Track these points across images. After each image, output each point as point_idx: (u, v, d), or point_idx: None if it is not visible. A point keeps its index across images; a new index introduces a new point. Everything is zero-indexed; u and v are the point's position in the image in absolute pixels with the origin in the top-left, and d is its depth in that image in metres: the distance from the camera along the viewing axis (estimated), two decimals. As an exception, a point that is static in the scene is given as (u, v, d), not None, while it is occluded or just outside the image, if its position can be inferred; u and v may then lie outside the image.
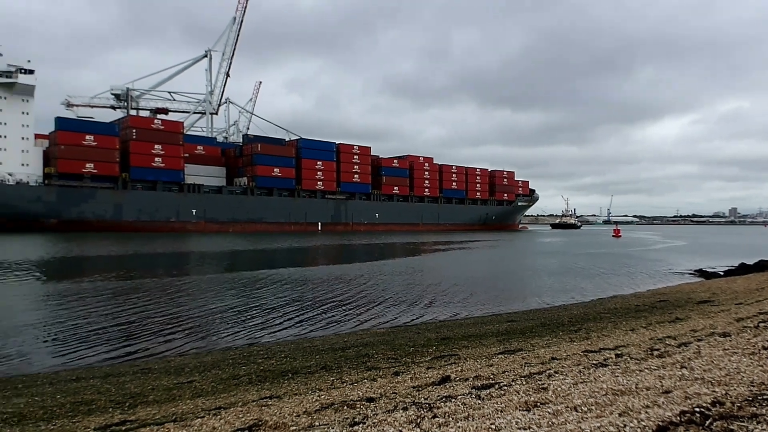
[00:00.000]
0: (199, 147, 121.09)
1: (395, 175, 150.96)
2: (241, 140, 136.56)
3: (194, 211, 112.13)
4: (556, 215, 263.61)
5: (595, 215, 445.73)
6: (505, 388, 6.28)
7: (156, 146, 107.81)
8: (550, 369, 7.12)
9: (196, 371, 10.53)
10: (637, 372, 6.51)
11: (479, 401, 5.80)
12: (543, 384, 6.22)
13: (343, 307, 19.99)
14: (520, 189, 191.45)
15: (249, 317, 17.83)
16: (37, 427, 6.86)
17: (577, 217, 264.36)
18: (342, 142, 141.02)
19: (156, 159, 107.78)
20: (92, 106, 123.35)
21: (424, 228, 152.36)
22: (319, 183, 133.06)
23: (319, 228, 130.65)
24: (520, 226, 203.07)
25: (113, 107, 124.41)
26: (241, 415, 6.40)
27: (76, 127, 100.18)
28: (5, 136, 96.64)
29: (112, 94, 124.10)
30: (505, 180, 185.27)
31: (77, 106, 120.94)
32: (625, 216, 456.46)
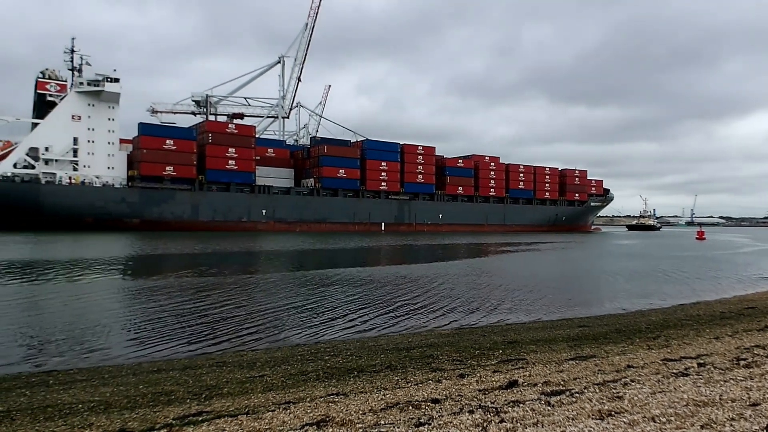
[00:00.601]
0: (269, 150, 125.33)
1: (459, 175, 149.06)
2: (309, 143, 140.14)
3: (264, 211, 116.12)
4: (634, 216, 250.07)
5: (676, 216, 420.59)
6: (577, 395, 6.06)
7: (230, 149, 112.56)
8: (625, 377, 6.81)
9: (267, 366, 10.87)
10: (722, 383, 6.11)
11: (549, 408, 5.63)
12: (618, 392, 5.95)
13: (407, 307, 20.01)
14: (593, 188, 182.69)
15: (316, 315, 18.23)
16: (122, 415, 7.30)
17: (657, 218, 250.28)
18: (406, 142, 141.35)
19: (230, 162, 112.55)
20: (174, 113, 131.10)
21: (490, 229, 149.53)
22: (383, 183, 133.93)
23: (383, 228, 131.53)
24: (593, 227, 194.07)
25: (193, 113, 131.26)
26: (309, 411, 6.54)
27: (157, 132, 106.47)
28: (93, 141, 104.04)
29: (193, 100, 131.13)
30: (577, 179, 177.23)
31: (161, 112, 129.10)
32: (710, 217, 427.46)
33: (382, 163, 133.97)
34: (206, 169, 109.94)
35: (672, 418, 4.76)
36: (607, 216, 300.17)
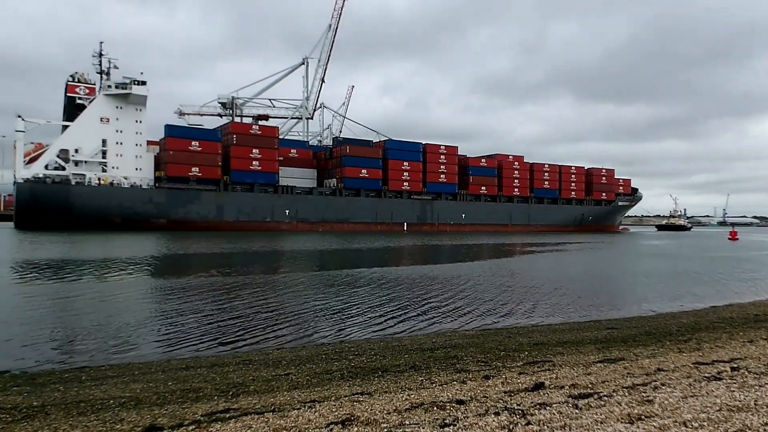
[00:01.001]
0: (292, 150, 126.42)
1: (483, 174, 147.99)
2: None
3: (287, 211, 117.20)
4: (663, 216, 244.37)
5: (708, 216, 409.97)
6: (606, 398, 5.97)
7: (254, 150, 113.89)
8: (655, 380, 6.69)
9: (292, 364, 10.98)
10: (756, 387, 5.96)
11: (577, 411, 5.56)
12: (648, 396, 5.85)
13: (431, 308, 19.97)
14: (621, 188, 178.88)
15: (340, 315, 18.33)
16: (151, 411, 7.45)
17: (688, 218, 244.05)
18: (429, 142, 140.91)
19: (254, 162, 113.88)
20: (201, 114, 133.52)
21: (514, 229, 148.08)
22: (405, 183, 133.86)
23: (405, 228, 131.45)
24: (621, 227, 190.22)
25: (220, 115, 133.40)
26: (334, 409, 6.56)
27: (183, 134, 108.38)
28: (121, 143, 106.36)
29: (219, 102, 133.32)
30: (604, 178, 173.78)
31: (188, 114, 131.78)
32: (743, 217, 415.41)
33: (405, 163, 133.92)
34: (231, 169, 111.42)
35: (704, 423, 4.67)
36: (636, 216, 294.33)
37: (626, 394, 6.12)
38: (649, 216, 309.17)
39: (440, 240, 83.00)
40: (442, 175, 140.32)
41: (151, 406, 7.86)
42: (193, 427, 6.12)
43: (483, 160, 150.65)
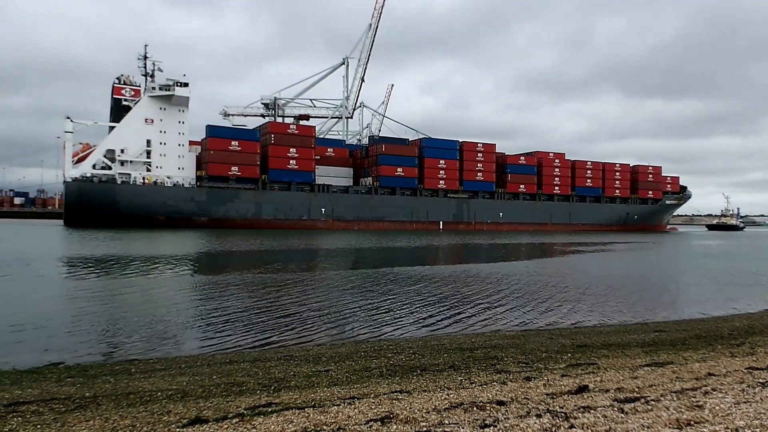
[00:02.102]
0: (329, 149, 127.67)
1: (521, 172, 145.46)
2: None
3: (323, 209, 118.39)
4: (714, 215, 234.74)
5: (763, 215, 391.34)
6: (653, 402, 5.82)
7: (291, 150, 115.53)
8: (706, 385, 6.47)
9: (332, 361, 11.11)
10: (817, 396, 5.68)
11: (622, 415, 5.45)
12: (698, 401, 5.67)
13: (470, 307, 19.84)
14: (669, 186, 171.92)
15: (378, 312, 18.44)
16: (197, 404, 7.65)
17: (741, 217, 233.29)
18: (466, 140, 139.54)
19: (291, 161, 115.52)
20: (245, 115, 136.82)
21: (554, 228, 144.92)
22: (441, 182, 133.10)
23: (441, 227, 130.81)
24: (669, 227, 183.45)
25: (263, 115, 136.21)
26: (373, 407, 6.59)
27: (223, 134, 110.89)
28: (165, 143, 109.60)
29: (262, 103, 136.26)
30: (650, 176, 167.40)
31: (233, 115, 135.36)
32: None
33: (441, 162, 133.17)
34: (269, 168, 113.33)
35: (758, 431, 4.49)
36: (686, 215, 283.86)
37: (675, 398, 5.96)
38: (700, 215, 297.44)
39: (477, 239, 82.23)
40: (479, 173, 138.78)
41: (196, 398, 8.08)
42: (237, 420, 6.26)
43: (522, 158, 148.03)
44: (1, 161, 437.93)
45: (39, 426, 6.47)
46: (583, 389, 6.91)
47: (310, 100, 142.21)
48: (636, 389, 6.75)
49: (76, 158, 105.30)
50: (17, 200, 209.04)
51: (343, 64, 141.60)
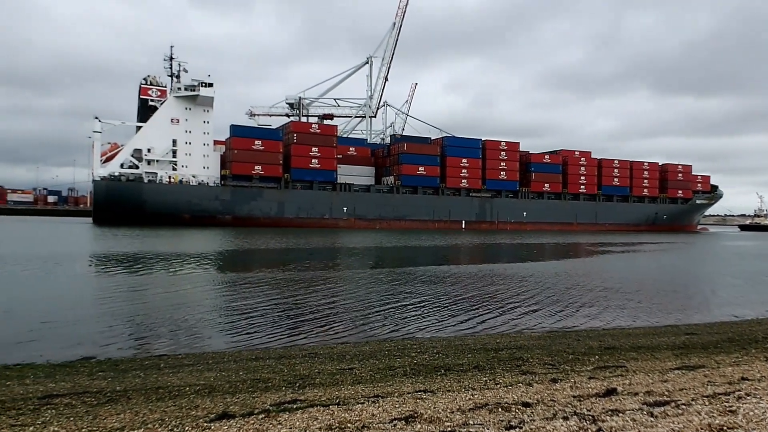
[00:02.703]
0: (351, 148, 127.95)
1: (546, 171, 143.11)
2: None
3: (345, 208, 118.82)
4: (748, 215, 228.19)
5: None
6: (684, 407, 5.71)
7: (313, 149, 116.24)
8: (739, 390, 6.32)
9: (356, 359, 11.19)
10: None
11: (652, 419, 5.36)
12: (731, 406, 5.54)
13: (495, 307, 19.73)
14: (699, 185, 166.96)
15: (401, 311, 18.48)
16: (224, 399, 7.78)
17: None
18: (489, 138, 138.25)
19: (313, 161, 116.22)
20: (270, 115, 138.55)
21: (579, 228, 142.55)
22: (463, 181, 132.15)
23: (463, 226, 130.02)
24: (699, 227, 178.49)
25: (287, 115, 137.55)
26: (397, 405, 6.59)
27: (247, 134, 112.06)
28: (190, 143, 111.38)
29: (287, 103, 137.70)
30: (680, 175, 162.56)
31: (258, 115, 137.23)
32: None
33: (463, 160, 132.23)
34: (291, 167, 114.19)
35: (796, 438, 4.37)
36: (718, 215, 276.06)
37: (706, 403, 5.84)
38: (733, 215, 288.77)
39: (501, 238, 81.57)
40: (503, 172, 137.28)
41: (223, 394, 8.21)
42: (263, 415, 6.33)
43: (546, 156, 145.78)
44: (36, 161, 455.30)
45: (72, 418, 6.64)
46: (611, 392, 6.81)
47: (334, 99, 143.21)
48: (666, 393, 6.63)
49: (104, 157, 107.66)
50: (51, 198, 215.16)
51: (367, 63, 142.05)
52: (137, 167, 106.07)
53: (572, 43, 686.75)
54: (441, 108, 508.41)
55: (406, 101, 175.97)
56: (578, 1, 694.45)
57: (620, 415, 5.55)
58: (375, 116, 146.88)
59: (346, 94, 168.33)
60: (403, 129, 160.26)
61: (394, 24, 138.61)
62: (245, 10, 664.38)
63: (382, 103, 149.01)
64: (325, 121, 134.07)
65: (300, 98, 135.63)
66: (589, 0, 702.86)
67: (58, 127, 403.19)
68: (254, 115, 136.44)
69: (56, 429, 6.12)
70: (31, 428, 6.16)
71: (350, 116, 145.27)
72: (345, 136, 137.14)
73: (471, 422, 5.62)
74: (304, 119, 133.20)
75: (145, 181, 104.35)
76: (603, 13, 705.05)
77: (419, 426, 5.54)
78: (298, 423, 5.82)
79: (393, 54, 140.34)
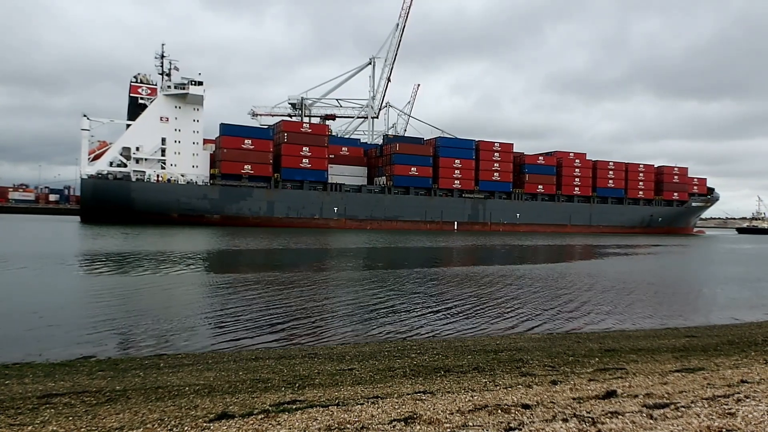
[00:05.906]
0: (343, 148, 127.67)
1: (540, 172, 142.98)
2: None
3: (336, 208, 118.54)
4: (748, 218, 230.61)
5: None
6: (683, 409, 5.79)
7: (304, 148, 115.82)
8: (738, 392, 6.42)
9: (356, 360, 11.21)
10: None
11: (651, 421, 5.42)
12: (730, 408, 5.63)
13: (494, 309, 19.80)
14: (695, 187, 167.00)
15: (401, 312, 18.51)
16: (224, 399, 7.76)
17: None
18: (490, 140, 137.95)
19: (303, 160, 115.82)
20: (273, 115, 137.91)
21: (573, 230, 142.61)
22: (456, 182, 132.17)
23: (455, 227, 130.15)
24: (695, 229, 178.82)
25: (290, 115, 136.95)
26: (397, 406, 6.61)
27: (236, 132, 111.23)
28: (179, 141, 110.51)
29: (289, 103, 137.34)
30: (676, 177, 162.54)
31: (261, 115, 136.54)
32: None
33: (456, 161, 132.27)
34: (281, 167, 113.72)
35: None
36: (718, 218, 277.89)
37: (706, 405, 5.91)
38: (734, 218, 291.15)
39: (494, 240, 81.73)
40: (496, 173, 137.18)
41: (223, 394, 8.19)
42: (262, 416, 6.32)
43: (540, 158, 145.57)
44: (41, 159, 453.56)
45: (71, 418, 6.61)
46: (611, 394, 6.88)
47: (337, 99, 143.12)
48: (666, 395, 6.71)
49: (92, 156, 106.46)
50: (52, 197, 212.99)
51: (370, 64, 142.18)
52: (125, 165, 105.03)
53: (577, 47, 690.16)
54: (445, 109, 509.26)
55: (409, 102, 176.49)
56: (583, 6, 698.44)
57: (620, 417, 5.61)
58: (377, 117, 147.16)
59: (348, 95, 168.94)
60: (405, 130, 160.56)
61: (398, 25, 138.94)
62: (256, 12, 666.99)
63: (384, 104, 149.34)
64: (327, 122, 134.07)
65: (302, 98, 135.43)
66: (594, 5, 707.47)
67: (64, 126, 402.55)
68: (257, 115, 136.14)
69: (55, 428, 6.08)
70: (29, 428, 6.12)
71: (352, 117, 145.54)
72: (347, 136, 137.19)
73: (470, 424, 5.65)
74: (306, 119, 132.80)
75: (133, 179, 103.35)
76: (608, 17, 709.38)
77: (418, 427, 5.56)
78: (297, 423, 5.82)
79: (396, 55, 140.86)
